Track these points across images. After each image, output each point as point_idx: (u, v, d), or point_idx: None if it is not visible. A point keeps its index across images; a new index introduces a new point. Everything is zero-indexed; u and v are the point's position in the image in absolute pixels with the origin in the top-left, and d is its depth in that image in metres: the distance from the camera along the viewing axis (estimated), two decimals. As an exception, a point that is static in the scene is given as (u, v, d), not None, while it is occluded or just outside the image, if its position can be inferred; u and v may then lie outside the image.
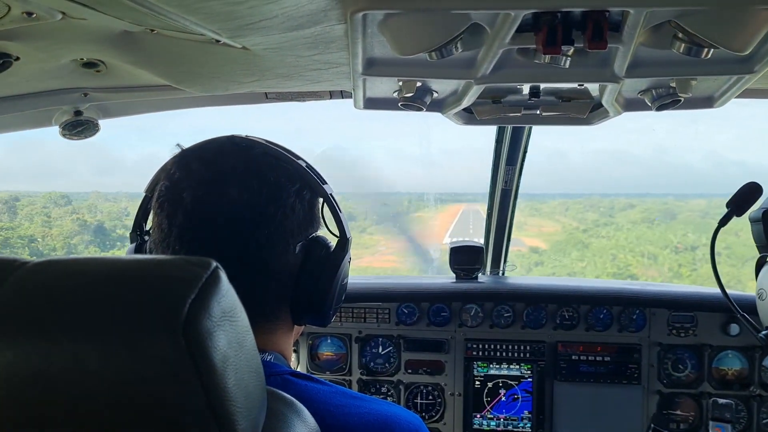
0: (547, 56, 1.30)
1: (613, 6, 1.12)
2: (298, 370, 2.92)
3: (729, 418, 2.16)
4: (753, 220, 1.72)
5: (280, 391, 0.94)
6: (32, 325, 0.69)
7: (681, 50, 1.24)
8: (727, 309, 2.79)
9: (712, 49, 1.22)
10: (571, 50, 1.28)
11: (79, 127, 1.97)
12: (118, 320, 0.68)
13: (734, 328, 2.82)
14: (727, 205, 1.85)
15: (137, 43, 1.48)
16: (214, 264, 0.74)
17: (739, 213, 1.83)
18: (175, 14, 1.09)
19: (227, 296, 0.74)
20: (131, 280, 0.71)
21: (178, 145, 1.23)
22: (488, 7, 1.12)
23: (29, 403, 0.69)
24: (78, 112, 1.93)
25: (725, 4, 1.09)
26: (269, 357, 1.21)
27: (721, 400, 2.18)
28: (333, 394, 1.20)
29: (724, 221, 1.85)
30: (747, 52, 1.22)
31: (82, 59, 1.60)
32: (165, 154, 1.23)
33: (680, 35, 1.22)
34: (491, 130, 2.99)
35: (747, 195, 1.82)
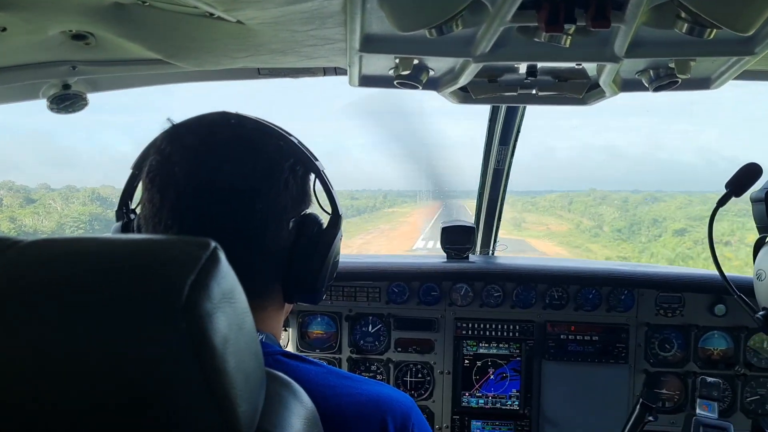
0: (548, 35, 1.28)
1: None
2: (288, 348, 2.94)
3: (716, 396, 2.19)
4: (754, 200, 1.72)
5: (277, 372, 0.93)
6: (26, 306, 0.67)
7: (684, 30, 1.22)
8: (714, 290, 2.83)
9: (715, 30, 1.20)
10: (573, 29, 1.27)
11: (67, 101, 1.93)
12: (115, 301, 0.66)
13: (720, 309, 2.86)
14: (726, 185, 1.84)
15: (128, 16, 1.44)
16: (213, 244, 0.72)
17: (738, 194, 1.82)
18: None
19: (227, 277, 0.72)
20: (129, 260, 0.69)
21: (168, 119, 1.21)
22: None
23: (25, 385, 0.68)
24: (66, 86, 1.88)
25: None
26: (261, 337, 1.20)
27: (709, 379, 2.20)
28: (325, 374, 1.19)
29: (722, 201, 1.84)
30: (750, 33, 1.22)
31: (71, 31, 1.56)
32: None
33: (683, 15, 1.21)
34: (483, 114, 2.98)
35: (746, 175, 1.82)
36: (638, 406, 2.36)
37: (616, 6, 1.21)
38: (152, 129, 1.21)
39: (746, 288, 2.02)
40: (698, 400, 2.22)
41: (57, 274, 0.69)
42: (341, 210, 1.31)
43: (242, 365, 0.73)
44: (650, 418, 2.35)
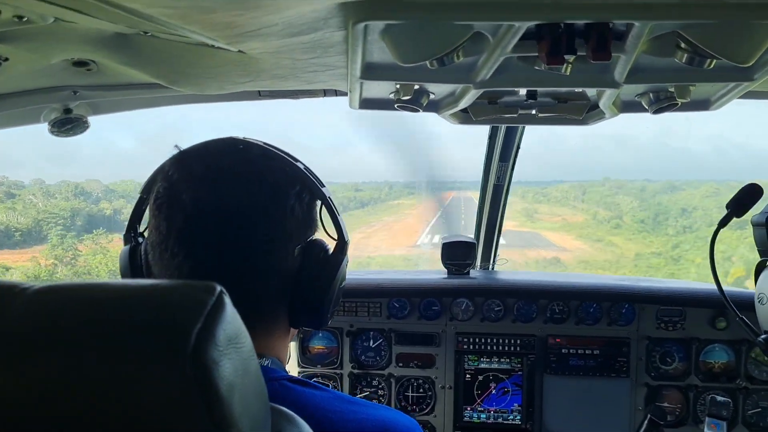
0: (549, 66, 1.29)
1: (618, 19, 1.11)
2: (290, 363, 2.93)
3: (725, 416, 2.19)
4: (755, 224, 1.72)
5: (281, 407, 0.94)
6: (38, 351, 0.68)
7: (683, 60, 1.23)
8: (714, 305, 2.84)
9: (715, 60, 1.21)
10: (573, 58, 1.27)
11: (69, 124, 1.93)
12: (124, 348, 0.66)
13: (722, 322, 2.86)
14: (727, 206, 1.85)
15: (130, 44, 1.45)
16: (219, 289, 0.73)
17: (739, 214, 1.82)
18: (175, 24, 1.07)
19: (232, 322, 0.73)
20: (136, 308, 0.70)
21: (176, 146, 1.21)
22: (492, 19, 1.10)
23: (35, 429, 0.68)
24: (67, 110, 1.89)
25: (729, 17, 1.09)
26: (266, 362, 1.20)
27: (719, 398, 2.21)
28: (330, 399, 1.19)
29: (724, 222, 1.85)
30: (750, 64, 1.22)
31: (73, 59, 1.56)
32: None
33: (683, 45, 1.21)
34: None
35: (747, 196, 1.82)
36: (646, 422, 2.36)
37: (617, 36, 1.22)
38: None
39: (747, 304, 2.02)
40: (707, 419, 2.23)
41: (65, 323, 0.69)
42: (347, 236, 1.31)
43: (248, 409, 0.73)
44: None
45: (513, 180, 3.24)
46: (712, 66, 1.23)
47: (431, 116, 1.86)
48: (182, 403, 0.66)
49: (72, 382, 0.67)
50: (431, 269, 3.28)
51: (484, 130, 3.06)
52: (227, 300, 0.73)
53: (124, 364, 0.66)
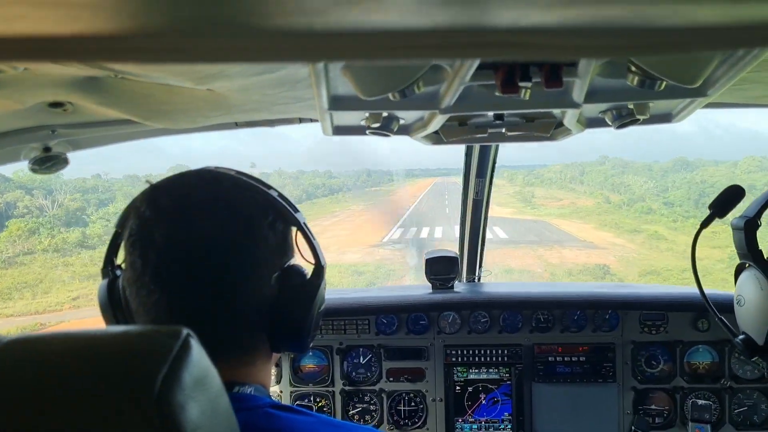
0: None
1: (564, 59, 1.15)
2: (282, 383, 2.95)
3: (707, 419, 2.23)
4: (734, 228, 1.76)
5: None
6: (5, 407, 0.71)
7: (635, 83, 1.28)
8: (696, 307, 2.88)
9: (665, 82, 1.26)
10: (530, 85, 1.32)
11: (49, 162, 1.96)
12: (89, 398, 0.69)
13: (704, 323, 2.91)
14: (710, 207, 1.88)
15: (102, 86, 1.48)
16: (185, 332, 0.75)
17: (721, 215, 1.86)
18: (139, 73, 1.11)
19: (199, 364, 0.75)
20: (101, 356, 0.72)
21: (147, 181, 1.24)
22: (445, 57, 1.15)
23: None
24: (47, 149, 1.92)
25: (670, 52, 1.13)
26: (249, 390, 1.23)
27: (700, 402, 2.25)
28: (314, 424, 1.22)
29: (705, 223, 1.87)
30: (697, 85, 1.27)
31: (48, 101, 1.60)
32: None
33: (633, 69, 1.26)
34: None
35: (729, 198, 1.85)
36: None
37: (569, 63, 1.26)
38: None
39: (727, 306, 2.06)
40: (690, 424, 2.26)
41: (31, 374, 0.72)
42: (323, 260, 1.34)
43: None
44: None
45: (497, 164, 3.27)
46: (662, 87, 1.28)
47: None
48: None
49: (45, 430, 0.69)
50: (416, 284, 3.31)
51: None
52: (194, 343, 0.76)
53: (92, 413, 0.69)
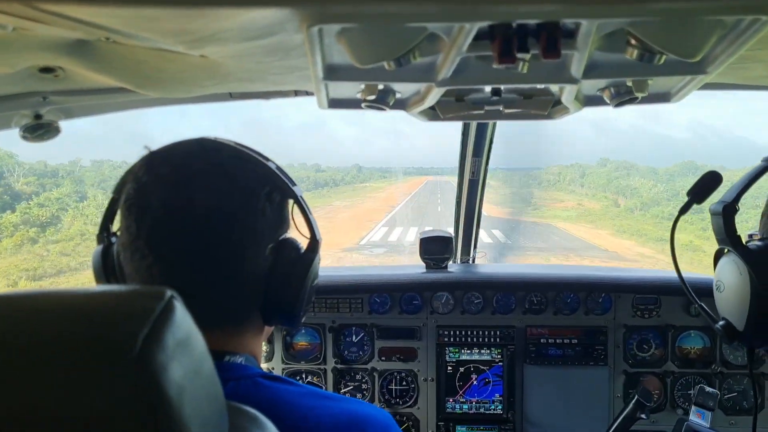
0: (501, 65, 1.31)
1: (565, 18, 1.13)
2: (274, 360, 2.96)
3: (711, 407, 2.23)
4: (713, 213, 1.75)
5: (243, 406, 0.95)
6: None
7: (634, 56, 1.26)
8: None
9: (664, 56, 1.24)
10: (527, 57, 1.30)
11: (40, 130, 1.94)
12: (67, 359, 0.67)
13: (696, 309, 2.91)
14: (688, 193, 1.88)
15: (94, 51, 1.45)
16: (169, 294, 0.74)
17: (699, 201, 1.85)
18: (127, 32, 1.08)
19: (182, 325, 0.74)
20: (81, 315, 0.70)
21: (146, 147, 1.23)
22: (442, 20, 1.13)
23: None
24: (38, 116, 1.89)
25: (672, 15, 1.11)
26: (240, 359, 1.22)
27: (708, 389, 2.25)
28: (304, 395, 1.22)
29: (684, 210, 1.87)
30: (698, 59, 1.25)
31: (39, 65, 1.57)
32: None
33: (633, 42, 1.24)
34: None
35: (707, 184, 1.85)
36: (632, 403, 2.40)
37: (568, 35, 1.24)
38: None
39: (710, 290, 2.06)
40: (693, 407, 2.26)
41: (6, 332, 0.70)
42: (319, 235, 1.33)
43: (199, 412, 0.74)
44: (642, 416, 2.39)
45: (492, 166, 3.26)
46: (662, 62, 1.26)
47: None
48: (129, 411, 0.67)
49: (14, 394, 0.67)
50: (411, 263, 3.31)
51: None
52: (178, 304, 0.74)
53: (70, 373, 0.67)
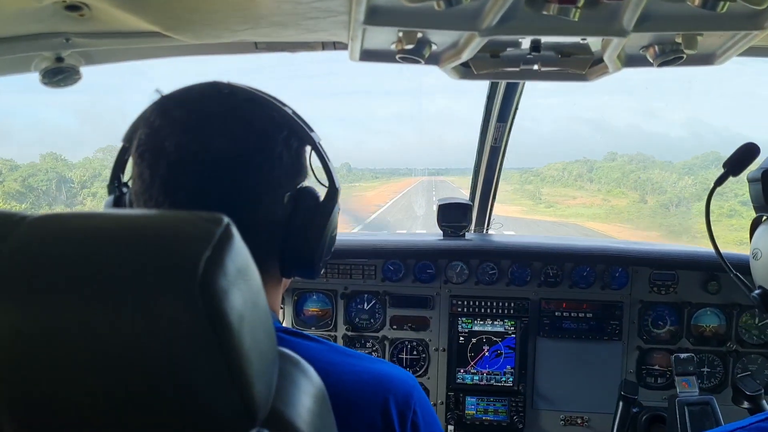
0: (557, 7, 1.26)
1: None
2: (283, 324, 2.93)
3: (692, 371, 2.22)
4: (751, 180, 1.72)
5: (286, 350, 0.92)
6: (38, 284, 0.65)
7: (696, 2, 1.21)
8: (707, 267, 2.85)
9: (728, 2, 1.19)
10: (582, 1, 1.25)
11: (60, 74, 1.88)
12: (129, 279, 0.64)
13: (714, 285, 2.89)
14: (724, 165, 1.85)
15: (126, -15, 1.40)
16: (227, 220, 0.70)
17: (735, 173, 1.83)
18: None
19: (241, 253, 0.70)
20: (142, 236, 0.67)
21: (157, 90, 1.17)
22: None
23: (36, 365, 0.66)
24: (59, 59, 1.83)
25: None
26: None
27: (682, 355, 2.24)
28: (327, 351, 1.18)
29: (720, 181, 1.85)
30: (765, 6, 1.20)
31: (65, 1, 1.51)
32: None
33: (697, -13, 1.19)
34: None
35: (744, 155, 1.82)
36: (621, 403, 2.39)
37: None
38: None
39: (741, 266, 2.03)
40: (676, 378, 2.25)
41: (69, 251, 0.67)
42: (338, 183, 1.28)
43: (257, 344, 0.71)
44: (635, 410, 2.38)
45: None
46: (725, 10, 1.21)
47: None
48: (192, 333, 0.64)
49: (78, 314, 0.64)
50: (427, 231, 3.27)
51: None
52: (235, 231, 0.71)
53: (132, 293, 0.64)
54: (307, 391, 0.89)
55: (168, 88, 1.17)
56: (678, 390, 2.24)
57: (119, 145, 1.24)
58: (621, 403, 2.40)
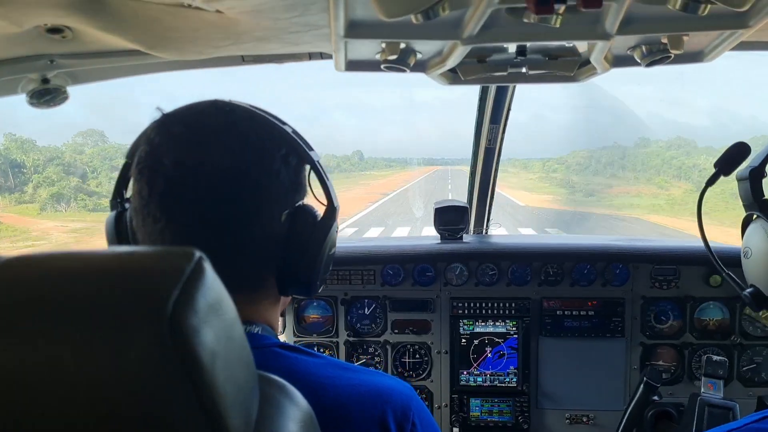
0: (537, 16, 1.25)
1: None
2: (286, 333, 2.93)
3: (721, 375, 2.20)
4: (740, 179, 1.71)
5: (271, 375, 0.91)
6: (3, 324, 0.65)
7: (677, 6, 1.19)
8: (708, 262, 2.83)
9: (709, 5, 1.17)
10: (563, 8, 1.23)
11: (47, 95, 1.88)
12: (96, 320, 0.63)
13: (716, 279, 2.86)
14: (715, 165, 1.84)
15: (104, 7, 1.39)
16: (198, 254, 0.69)
17: (727, 173, 1.82)
18: None
19: (213, 288, 0.70)
20: (110, 276, 0.66)
21: (158, 108, 1.17)
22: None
23: (2, 404, 0.65)
24: (45, 80, 1.83)
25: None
26: (257, 329, 1.18)
27: (715, 357, 2.21)
28: (323, 365, 1.18)
29: (711, 181, 1.84)
30: (746, 8, 1.18)
31: (47, 25, 1.51)
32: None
33: (677, -9, 1.17)
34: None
35: (734, 155, 1.81)
36: (642, 386, 2.36)
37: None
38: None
39: (737, 260, 2.02)
40: (703, 379, 2.23)
41: (35, 292, 0.66)
42: (336, 201, 1.28)
43: (232, 378, 0.71)
44: (655, 398, 2.36)
45: (503, 156, 3.20)
46: (706, 12, 1.19)
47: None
48: (162, 372, 0.63)
49: (46, 357, 0.63)
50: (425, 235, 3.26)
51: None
52: (207, 266, 0.70)
53: (100, 335, 0.63)
54: (293, 417, 0.88)
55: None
56: (702, 389, 2.22)
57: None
58: (641, 388, 2.36)
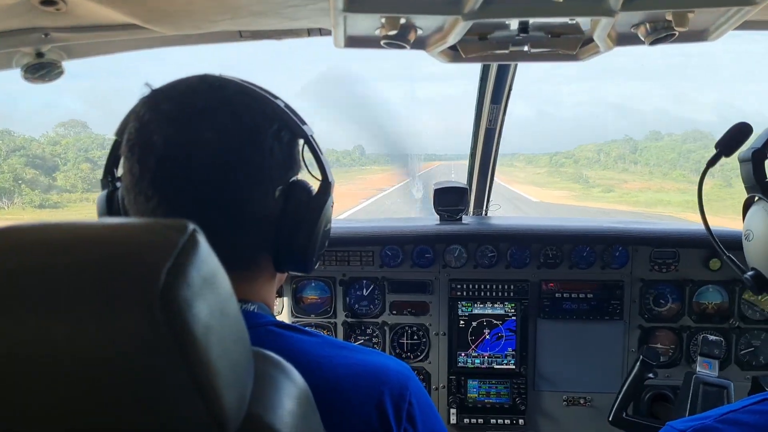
0: None
1: None
2: (284, 314, 2.92)
3: (717, 355, 2.20)
4: (742, 160, 1.69)
5: (266, 352, 0.90)
6: None
7: (683, -20, 1.17)
8: (707, 245, 2.82)
9: (716, -20, 1.15)
10: None
11: (42, 69, 1.85)
12: (87, 293, 0.62)
13: (716, 262, 2.85)
14: (716, 146, 1.82)
15: (99, -21, 1.37)
16: (191, 227, 0.68)
17: (728, 153, 1.79)
18: None
19: (207, 261, 0.68)
20: (102, 248, 0.65)
21: (146, 84, 1.15)
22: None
23: None
24: (40, 54, 1.81)
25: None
26: (252, 307, 1.17)
27: (711, 337, 2.21)
28: (320, 344, 1.17)
29: (712, 162, 1.83)
30: (753, -17, 1.16)
31: None
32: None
33: (682, -35, 1.15)
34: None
35: (736, 135, 1.79)
36: (638, 364, 2.37)
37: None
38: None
39: (738, 243, 2.01)
40: (699, 358, 2.23)
41: (26, 265, 0.65)
42: (331, 176, 1.26)
43: (226, 353, 0.70)
44: (650, 375, 2.36)
45: (511, 151, 3.19)
46: (712, -14, 1.17)
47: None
48: (154, 347, 0.62)
49: (37, 329, 0.62)
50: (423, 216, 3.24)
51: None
52: (201, 239, 0.68)
53: (91, 308, 0.62)
54: (289, 394, 0.87)
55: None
56: (697, 368, 2.22)
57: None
58: (637, 365, 2.36)
